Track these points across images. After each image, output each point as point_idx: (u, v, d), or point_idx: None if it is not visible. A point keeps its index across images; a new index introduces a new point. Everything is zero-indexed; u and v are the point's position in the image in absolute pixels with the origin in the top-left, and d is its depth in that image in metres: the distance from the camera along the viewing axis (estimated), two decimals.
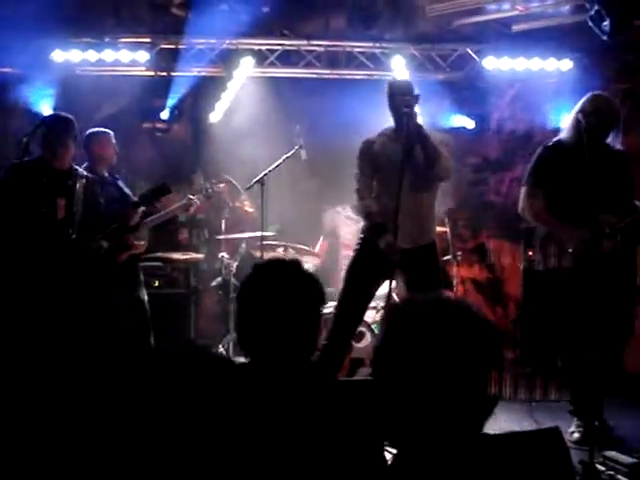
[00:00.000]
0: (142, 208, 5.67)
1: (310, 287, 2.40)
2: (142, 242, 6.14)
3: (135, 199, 5.98)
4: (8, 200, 5.19)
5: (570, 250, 5.04)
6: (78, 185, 5.43)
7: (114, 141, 6.20)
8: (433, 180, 5.21)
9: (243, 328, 2.35)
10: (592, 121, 4.98)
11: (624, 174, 5.16)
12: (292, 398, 2.14)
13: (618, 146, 5.22)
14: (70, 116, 5.51)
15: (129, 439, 1.19)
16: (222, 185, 6.80)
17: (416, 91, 5.20)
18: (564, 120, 5.33)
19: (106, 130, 6.23)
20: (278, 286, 2.34)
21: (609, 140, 5.18)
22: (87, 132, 6.22)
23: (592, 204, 4.62)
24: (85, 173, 5.60)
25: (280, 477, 1.79)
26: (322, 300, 2.42)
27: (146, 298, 6.25)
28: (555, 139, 5.28)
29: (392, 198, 4.84)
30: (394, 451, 1.72)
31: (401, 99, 5.04)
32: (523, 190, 5.31)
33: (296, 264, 2.47)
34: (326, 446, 2.13)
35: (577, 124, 4.99)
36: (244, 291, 2.39)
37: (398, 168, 4.83)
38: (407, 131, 4.94)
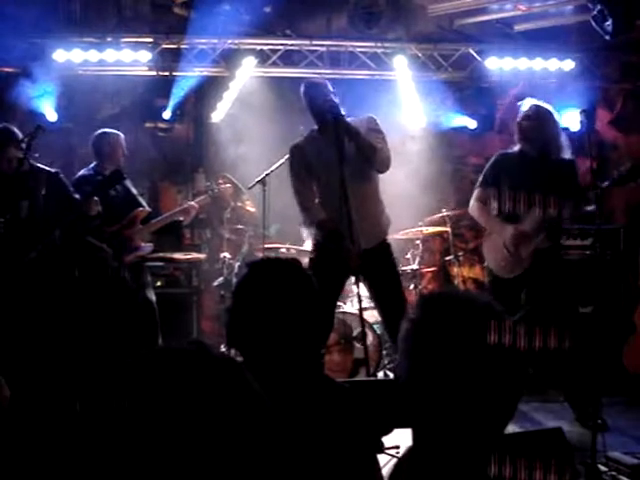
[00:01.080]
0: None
1: (306, 286, 2.40)
2: (150, 244, 6.13)
3: (140, 199, 6.00)
4: None
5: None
6: (39, 183, 5.39)
7: (124, 143, 6.22)
8: (370, 174, 5.12)
9: (236, 326, 2.34)
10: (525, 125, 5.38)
11: (569, 181, 5.29)
12: (287, 398, 2.13)
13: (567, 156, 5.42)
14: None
15: (133, 437, 1.19)
16: (227, 185, 6.79)
17: (331, 88, 5.14)
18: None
19: (117, 132, 6.24)
20: (274, 285, 2.33)
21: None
22: (97, 132, 6.23)
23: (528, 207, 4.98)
24: (47, 169, 5.53)
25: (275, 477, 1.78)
26: (317, 299, 2.42)
27: (154, 298, 6.25)
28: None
29: (337, 201, 4.77)
30: (393, 452, 1.71)
31: (323, 98, 4.99)
32: (476, 191, 5.64)
33: (293, 263, 2.47)
34: (321, 446, 2.13)
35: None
36: (239, 289, 2.39)
37: (334, 169, 4.77)
38: (336, 130, 4.87)
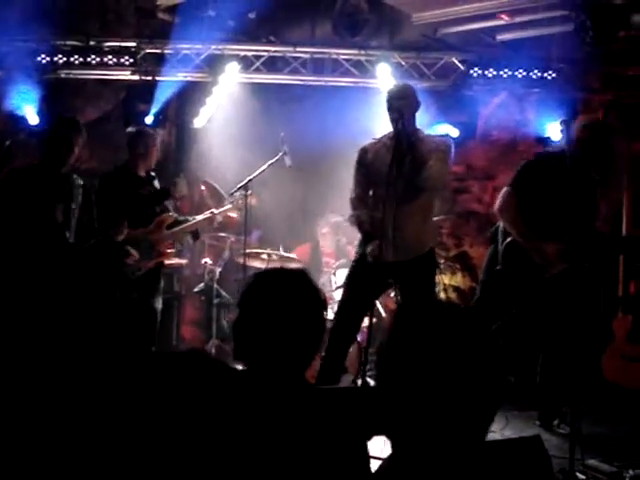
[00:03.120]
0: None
1: (313, 297, 2.38)
2: (172, 250, 6.08)
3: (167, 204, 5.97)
4: (8, 206, 5.11)
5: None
6: (75, 190, 5.33)
7: (157, 144, 6.18)
8: (419, 190, 5.05)
9: (242, 336, 2.32)
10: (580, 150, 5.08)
11: (592, 201, 5.22)
12: (287, 407, 2.13)
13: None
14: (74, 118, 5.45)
15: (130, 438, 1.18)
16: (248, 194, 6.63)
17: (413, 97, 5.11)
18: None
19: (153, 131, 6.20)
20: (281, 295, 2.31)
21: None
22: (133, 129, 6.19)
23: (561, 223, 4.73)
24: (81, 181, 5.46)
25: None
26: (324, 311, 2.40)
27: (159, 307, 6.17)
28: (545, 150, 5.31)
29: (385, 209, 4.78)
30: (384, 456, 1.72)
31: (394, 105, 4.98)
32: (505, 190, 5.38)
33: (300, 274, 2.45)
34: (312, 454, 2.13)
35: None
36: (245, 299, 2.36)
37: (385, 178, 4.77)
38: (397, 138, 4.87)
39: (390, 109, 4.99)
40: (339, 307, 5.34)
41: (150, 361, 1.29)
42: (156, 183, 6.22)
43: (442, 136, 5.29)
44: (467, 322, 1.62)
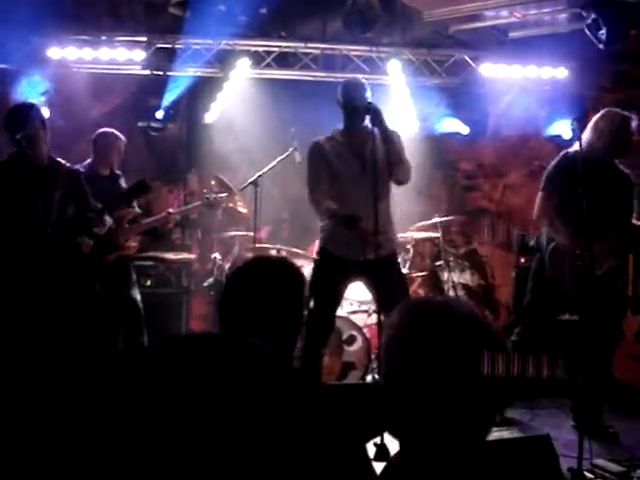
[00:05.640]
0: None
1: (292, 286, 2.43)
2: (133, 244, 6.13)
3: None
4: None
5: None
6: (58, 180, 5.27)
7: (122, 146, 6.24)
8: (389, 185, 5.10)
9: (226, 313, 2.38)
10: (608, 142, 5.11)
11: (627, 195, 5.19)
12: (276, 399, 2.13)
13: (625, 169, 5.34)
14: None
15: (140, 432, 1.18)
16: (224, 195, 6.72)
17: (369, 91, 5.11)
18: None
19: (117, 134, 6.25)
20: (259, 284, 2.37)
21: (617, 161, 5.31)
22: (99, 130, 6.25)
23: (592, 218, 4.66)
24: (67, 165, 5.32)
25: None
26: (303, 299, 2.45)
27: (139, 297, 6.24)
28: (572, 149, 5.24)
29: (354, 206, 4.76)
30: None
31: (362, 98, 4.97)
32: (539, 195, 5.38)
33: (282, 263, 2.49)
34: (310, 450, 2.13)
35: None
36: (227, 290, 2.42)
37: (355, 173, 4.74)
38: (365, 134, 4.86)
39: (360, 102, 4.96)
40: (311, 309, 5.05)
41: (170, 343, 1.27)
42: (122, 182, 6.29)
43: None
44: (475, 320, 1.62)
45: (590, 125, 5.25)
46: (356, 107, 4.98)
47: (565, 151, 5.33)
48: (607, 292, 5.18)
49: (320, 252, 5.29)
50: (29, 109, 5.09)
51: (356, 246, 4.87)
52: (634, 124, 5.17)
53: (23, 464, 3.73)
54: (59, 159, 5.28)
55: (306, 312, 2.46)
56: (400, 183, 5.12)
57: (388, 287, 5.00)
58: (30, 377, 4.61)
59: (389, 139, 4.95)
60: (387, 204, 5.14)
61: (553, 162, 5.41)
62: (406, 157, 5.06)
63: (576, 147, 4.98)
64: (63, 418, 4.23)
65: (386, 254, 5.06)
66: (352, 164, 4.85)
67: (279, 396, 1.25)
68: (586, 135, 5.18)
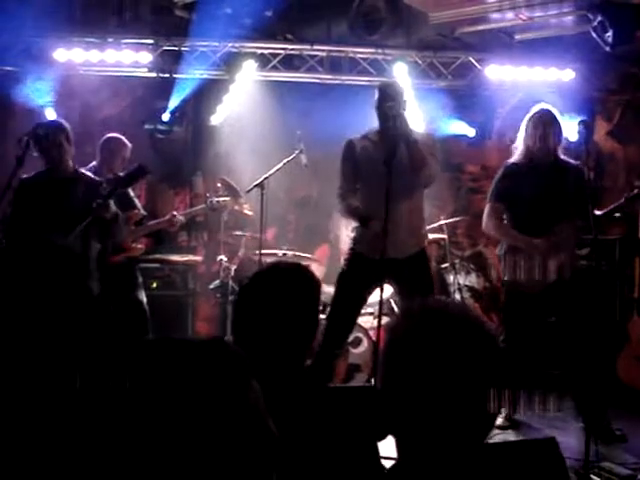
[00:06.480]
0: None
1: (308, 292, 2.42)
2: (139, 246, 6.14)
3: (136, 201, 6.01)
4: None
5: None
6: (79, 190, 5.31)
7: (127, 152, 6.25)
8: (417, 186, 5.15)
9: (239, 331, 2.36)
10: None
11: (578, 187, 5.19)
12: (287, 402, 2.14)
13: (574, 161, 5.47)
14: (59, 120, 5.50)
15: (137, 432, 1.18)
16: (227, 198, 6.76)
17: (405, 96, 5.16)
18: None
19: (123, 139, 6.26)
20: (275, 290, 2.36)
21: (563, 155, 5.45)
22: (106, 136, 6.26)
23: (543, 216, 5.04)
24: (90, 176, 5.47)
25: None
26: (318, 305, 2.44)
27: (144, 299, 6.25)
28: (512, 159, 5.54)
29: (377, 206, 4.76)
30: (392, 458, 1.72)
31: (391, 102, 4.98)
32: (486, 207, 5.60)
33: (297, 268, 2.48)
34: (320, 451, 2.13)
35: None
36: (242, 294, 2.41)
37: (378, 174, 4.76)
38: (394, 134, 4.86)
39: (386, 107, 4.96)
40: (333, 308, 5.23)
41: (169, 346, 1.28)
42: None
43: (427, 133, 5.43)
44: (472, 324, 1.62)
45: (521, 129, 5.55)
46: (383, 111, 5.02)
47: (506, 161, 5.54)
48: (575, 293, 5.27)
49: (349, 250, 5.36)
50: (56, 126, 5.30)
51: (374, 244, 4.89)
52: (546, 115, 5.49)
53: (23, 464, 3.73)
54: (82, 170, 5.47)
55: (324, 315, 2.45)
56: (425, 186, 5.22)
57: (409, 288, 5.06)
58: (30, 377, 4.63)
59: (410, 145, 4.96)
60: (412, 206, 5.17)
61: (497, 175, 5.65)
62: (433, 160, 5.08)
63: (516, 156, 5.27)
64: (63, 418, 4.24)
65: (408, 255, 5.13)
66: (377, 165, 4.86)
67: (239, 392, 1.26)
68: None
